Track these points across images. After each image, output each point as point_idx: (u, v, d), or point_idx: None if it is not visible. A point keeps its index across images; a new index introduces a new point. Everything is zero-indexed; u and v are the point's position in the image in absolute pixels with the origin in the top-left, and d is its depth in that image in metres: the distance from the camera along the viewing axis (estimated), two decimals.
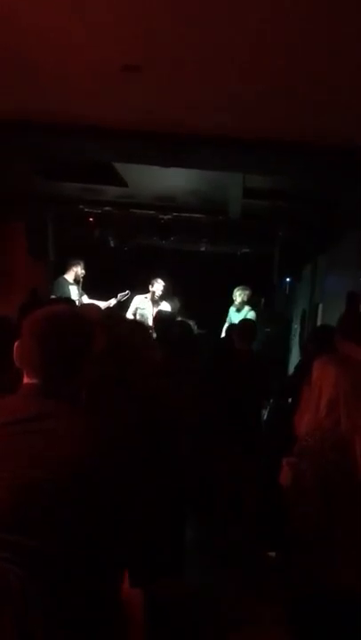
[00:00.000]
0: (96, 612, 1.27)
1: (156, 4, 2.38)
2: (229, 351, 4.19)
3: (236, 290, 7.18)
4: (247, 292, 7.14)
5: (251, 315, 6.99)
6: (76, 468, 1.26)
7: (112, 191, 6.17)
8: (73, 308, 1.97)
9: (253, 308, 7.24)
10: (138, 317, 6.71)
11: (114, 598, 1.35)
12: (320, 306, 6.88)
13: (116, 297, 6.74)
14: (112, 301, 6.67)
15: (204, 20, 2.50)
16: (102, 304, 6.55)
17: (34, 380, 1.40)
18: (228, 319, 7.38)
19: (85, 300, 6.57)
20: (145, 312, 6.75)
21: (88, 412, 1.45)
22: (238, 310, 7.15)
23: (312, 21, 2.44)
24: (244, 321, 4.83)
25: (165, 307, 6.83)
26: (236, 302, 7.16)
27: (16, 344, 1.43)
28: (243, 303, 7.14)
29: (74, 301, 5.82)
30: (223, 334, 7.24)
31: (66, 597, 1.21)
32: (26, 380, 1.42)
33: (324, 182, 5.17)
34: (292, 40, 2.60)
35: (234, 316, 7.14)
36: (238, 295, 7.14)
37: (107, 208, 6.82)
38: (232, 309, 7.31)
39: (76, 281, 6.58)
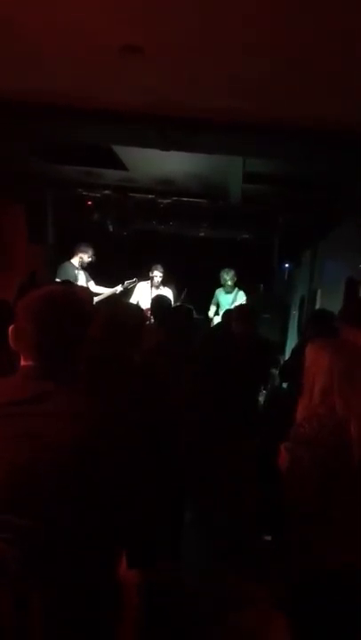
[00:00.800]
0: (93, 591, 1.29)
1: None
2: (228, 336, 4.20)
3: (223, 272, 7.24)
4: (234, 273, 7.25)
5: (241, 295, 7.16)
6: (75, 448, 1.27)
7: (111, 175, 6.13)
8: (69, 289, 1.96)
9: (241, 288, 7.32)
10: (140, 304, 6.72)
11: (110, 579, 1.36)
12: (319, 291, 6.89)
13: (122, 284, 6.72)
14: (118, 288, 6.67)
15: (206, 1, 2.47)
16: (108, 290, 6.55)
17: (31, 362, 1.41)
18: (214, 301, 7.46)
19: (92, 285, 6.55)
20: (145, 298, 6.76)
21: (87, 392, 1.46)
22: (228, 292, 7.24)
23: (314, 3, 2.42)
24: (241, 306, 4.83)
25: (166, 292, 6.83)
26: (228, 284, 7.22)
27: (11, 327, 1.42)
28: (232, 285, 7.21)
29: (73, 284, 5.80)
30: (215, 318, 7.29)
31: (63, 577, 1.22)
32: (23, 362, 1.42)
33: (325, 168, 5.14)
34: (295, 22, 2.57)
35: (224, 299, 7.20)
36: (229, 278, 7.21)
37: (106, 192, 6.78)
38: (221, 292, 7.36)
39: (82, 266, 6.55)
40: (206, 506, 3.61)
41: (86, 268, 6.61)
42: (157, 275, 6.78)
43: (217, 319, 7.15)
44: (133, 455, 1.37)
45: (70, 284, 5.31)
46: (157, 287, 6.79)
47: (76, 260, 6.54)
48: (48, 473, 1.24)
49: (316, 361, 2.13)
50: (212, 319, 7.40)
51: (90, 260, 6.56)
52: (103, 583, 1.32)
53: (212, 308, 7.49)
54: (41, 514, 1.20)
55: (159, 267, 6.81)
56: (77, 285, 5.96)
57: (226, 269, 7.24)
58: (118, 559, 1.38)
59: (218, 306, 7.39)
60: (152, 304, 4.77)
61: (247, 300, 7.19)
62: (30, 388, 1.36)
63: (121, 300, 6.03)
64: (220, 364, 3.69)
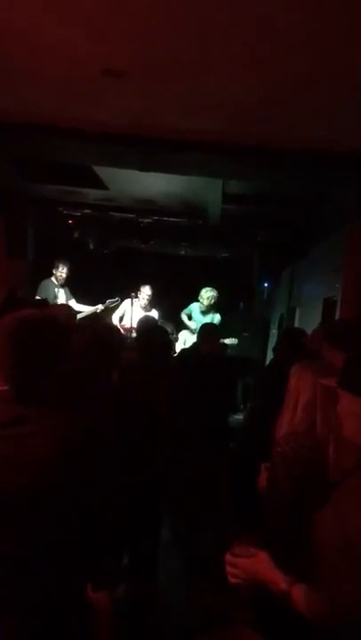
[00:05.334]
0: (60, 614, 1.28)
1: (141, 10, 2.41)
2: (197, 356, 4.27)
3: (205, 291, 6.77)
4: (215, 295, 6.77)
5: (216, 319, 6.75)
6: (47, 472, 1.28)
7: (92, 194, 6.17)
8: (44, 312, 1.96)
9: (219, 311, 6.94)
10: (123, 321, 6.68)
11: (79, 602, 1.36)
12: (297, 310, 6.97)
13: (103, 303, 6.68)
14: (99, 307, 6.62)
15: (187, 27, 2.54)
16: (89, 309, 6.51)
17: (5, 386, 1.42)
18: (187, 313, 7.05)
19: (73, 303, 6.49)
20: (128, 315, 6.72)
21: (61, 410, 1.46)
22: (205, 313, 6.84)
23: (298, 34, 2.50)
24: (204, 326, 4.76)
25: (153, 314, 6.78)
26: (204, 304, 6.77)
27: None
28: (211, 306, 6.80)
29: (46, 303, 5.75)
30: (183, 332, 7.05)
31: (34, 599, 1.22)
32: (0, 386, 1.43)
33: (303, 189, 5.25)
34: (279, 48, 2.65)
35: (197, 317, 6.88)
36: (207, 298, 6.73)
37: (86, 211, 6.81)
38: (197, 308, 6.94)
39: (61, 283, 6.50)
40: (182, 522, 3.60)
41: (67, 285, 6.58)
42: (144, 296, 6.69)
43: (184, 334, 7.00)
44: (105, 477, 1.38)
45: (46, 303, 5.27)
46: (144, 308, 6.72)
47: (55, 278, 6.53)
48: (21, 498, 1.24)
49: (299, 380, 2.17)
50: (184, 325, 7.09)
51: (65, 275, 6.49)
52: (71, 606, 1.31)
53: (183, 316, 7.09)
54: (12, 538, 1.21)
55: (147, 288, 6.70)
56: (57, 305, 5.92)
57: (208, 288, 6.79)
58: (87, 580, 1.39)
59: (190, 318, 7.06)
60: (138, 325, 4.74)
61: (223, 320, 6.87)
62: (3, 412, 1.37)
63: (101, 319, 6.01)
64: (190, 383, 3.72)
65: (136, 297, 6.70)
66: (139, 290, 6.70)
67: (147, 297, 6.69)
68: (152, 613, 1.63)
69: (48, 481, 1.27)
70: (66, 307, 5.48)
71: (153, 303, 6.85)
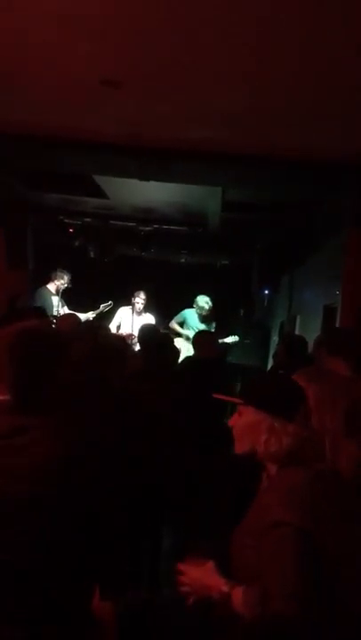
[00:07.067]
0: (66, 624, 1.29)
1: (139, 21, 2.44)
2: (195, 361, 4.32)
3: (202, 297, 6.84)
4: (210, 307, 6.85)
5: (212, 326, 6.81)
6: (49, 483, 1.29)
7: (92, 202, 6.20)
8: (45, 323, 1.99)
9: (215, 320, 7.02)
10: (121, 329, 6.73)
11: (84, 611, 1.36)
12: (298, 317, 6.97)
13: (97, 308, 6.74)
14: (91, 314, 6.67)
15: (184, 37, 2.56)
16: (82, 315, 6.55)
17: (7, 396, 1.43)
18: (179, 321, 7.04)
19: (66, 311, 6.54)
20: (127, 323, 6.78)
21: (68, 418, 1.48)
22: (204, 321, 6.87)
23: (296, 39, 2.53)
24: (199, 332, 4.84)
25: (149, 318, 6.85)
26: (205, 310, 6.82)
27: None
28: (207, 316, 6.87)
29: (46, 312, 5.78)
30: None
31: (36, 610, 1.23)
32: (1, 396, 1.45)
33: (304, 195, 5.27)
34: (275, 58, 2.68)
35: (195, 325, 6.87)
36: (208, 307, 6.81)
37: (87, 219, 6.84)
38: (195, 315, 6.96)
39: (58, 292, 6.57)
40: (183, 530, 3.59)
41: (63, 293, 6.62)
42: (140, 301, 6.80)
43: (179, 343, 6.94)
44: (107, 487, 1.39)
45: (43, 311, 5.30)
46: (139, 313, 6.82)
47: (52, 286, 6.57)
48: (22, 509, 1.25)
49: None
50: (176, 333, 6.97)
51: (65, 286, 6.57)
52: (76, 615, 1.32)
53: (174, 324, 7.05)
54: (14, 548, 1.21)
55: (142, 293, 6.83)
56: (64, 314, 5.97)
57: (204, 297, 6.85)
58: (91, 591, 1.39)
59: (182, 325, 7.06)
60: (140, 333, 4.75)
61: (219, 328, 6.96)
62: (5, 423, 1.38)
63: (103, 326, 6.04)
64: (191, 385, 3.74)
65: (131, 304, 6.77)
66: (133, 296, 6.77)
67: (142, 302, 6.75)
68: (154, 624, 1.63)
69: (48, 493, 1.28)
70: (72, 316, 5.51)
71: (147, 307, 6.93)
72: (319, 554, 1.32)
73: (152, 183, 4.75)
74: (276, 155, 4.11)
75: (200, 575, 1.54)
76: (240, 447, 1.68)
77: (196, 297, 6.96)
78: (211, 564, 1.54)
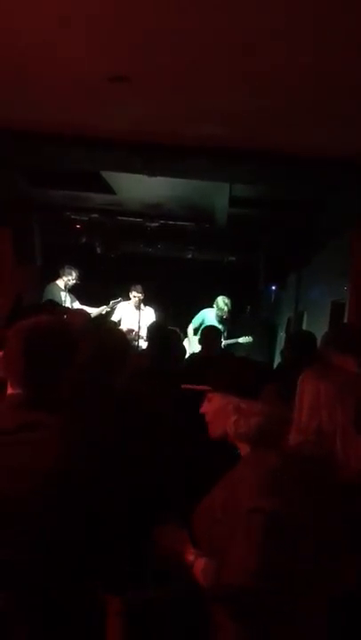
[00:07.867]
0: (66, 624, 1.29)
1: (145, 17, 2.42)
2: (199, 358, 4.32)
3: (224, 299, 6.84)
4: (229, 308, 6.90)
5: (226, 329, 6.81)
6: (58, 479, 1.29)
7: (99, 198, 6.20)
8: (57, 318, 2.00)
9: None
10: (122, 324, 6.76)
11: (90, 607, 1.36)
12: (305, 314, 6.95)
13: (107, 304, 6.78)
14: (103, 308, 6.72)
15: (191, 33, 2.55)
16: (93, 310, 6.58)
17: (18, 391, 1.42)
18: (195, 325, 6.99)
19: (77, 306, 6.58)
20: (128, 318, 6.81)
21: (71, 418, 1.47)
22: (221, 322, 6.81)
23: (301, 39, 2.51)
24: (206, 327, 4.84)
25: (149, 312, 6.89)
26: (224, 314, 6.83)
27: (0, 354, 1.45)
28: (228, 317, 6.89)
29: (58, 304, 5.82)
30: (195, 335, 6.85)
31: (36, 610, 1.22)
32: (10, 390, 1.44)
33: (309, 193, 5.24)
34: (281, 54, 2.66)
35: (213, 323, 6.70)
36: (227, 309, 6.81)
37: (94, 215, 6.84)
38: (213, 315, 6.94)
39: (66, 288, 6.61)
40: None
41: (72, 289, 6.66)
42: (137, 295, 6.85)
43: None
44: (113, 483, 1.38)
45: (54, 304, 5.32)
46: (138, 307, 6.85)
47: (61, 282, 6.60)
48: (30, 505, 1.24)
49: (303, 385, 2.18)
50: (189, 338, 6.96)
51: (74, 282, 6.61)
52: (82, 611, 1.32)
53: (191, 331, 7.01)
54: (20, 546, 1.21)
55: (138, 287, 6.88)
56: (74, 309, 6.00)
57: (225, 298, 6.81)
58: (97, 587, 1.39)
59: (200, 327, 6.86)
60: (154, 331, 4.74)
61: (228, 325, 6.97)
62: (15, 417, 1.38)
63: (107, 326, 6.06)
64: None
65: (128, 299, 6.87)
66: (130, 290, 6.84)
67: (139, 296, 6.80)
68: (154, 624, 1.63)
69: (57, 489, 1.27)
70: (82, 312, 5.53)
71: (150, 302, 7.01)
72: (295, 538, 1.35)
73: (159, 179, 4.74)
74: (282, 152, 4.09)
75: (172, 541, 1.63)
76: (213, 432, 1.78)
77: (215, 297, 6.97)
78: (183, 533, 1.63)
